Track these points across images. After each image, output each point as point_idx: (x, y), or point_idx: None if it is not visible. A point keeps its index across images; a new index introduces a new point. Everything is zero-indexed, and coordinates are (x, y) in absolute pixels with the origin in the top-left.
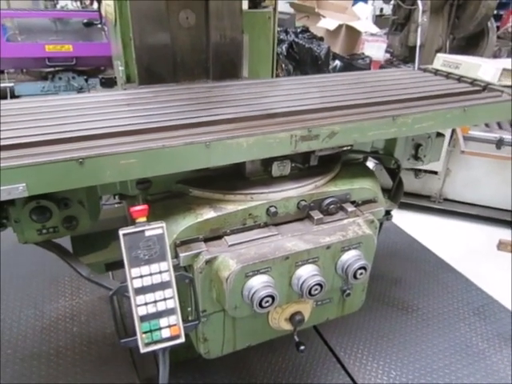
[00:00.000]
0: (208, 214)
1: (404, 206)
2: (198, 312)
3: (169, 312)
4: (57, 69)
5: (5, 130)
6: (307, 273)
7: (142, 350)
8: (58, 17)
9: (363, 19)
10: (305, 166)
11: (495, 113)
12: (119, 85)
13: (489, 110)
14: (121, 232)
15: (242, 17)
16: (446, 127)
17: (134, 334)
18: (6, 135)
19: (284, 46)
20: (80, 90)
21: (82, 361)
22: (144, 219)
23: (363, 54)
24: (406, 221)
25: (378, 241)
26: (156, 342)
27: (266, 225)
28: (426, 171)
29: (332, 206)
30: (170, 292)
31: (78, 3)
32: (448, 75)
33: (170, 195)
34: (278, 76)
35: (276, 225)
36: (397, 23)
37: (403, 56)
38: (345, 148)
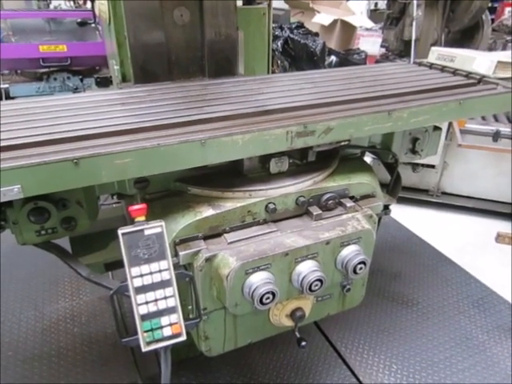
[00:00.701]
0: (207, 211)
1: (402, 201)
2: (199, 310)
3: (170, 310)
4: (51, 69)
5: None
6: (307, 269)
7: (144, 349)
8: (51, 17)
9: (358, 14)
10: (303, 161)
11: (491, 105)
12: (115, 84)
13: (484, 103)
14: (120, 231)
15: (236, 13)
16: (442, 121)
17: (135, 333)
18: (1, 137)
19: (279, 43)
20: (75, 91)
21: (83, 361)
22: (143, 218)
23: (358, 49)
24: (405, 215)
25: (376, 235)
26: (157, 341)
27: (265, 221)
28: (423, 165)
29: (331, 201)
30: (171, 290)
31: (72, 3)
32: (443, 68)
33: (168, 194)
34: (273, 72)
35: (275, 221)
36: (392, 17)
37: (398, 50)
38: (342, 143)
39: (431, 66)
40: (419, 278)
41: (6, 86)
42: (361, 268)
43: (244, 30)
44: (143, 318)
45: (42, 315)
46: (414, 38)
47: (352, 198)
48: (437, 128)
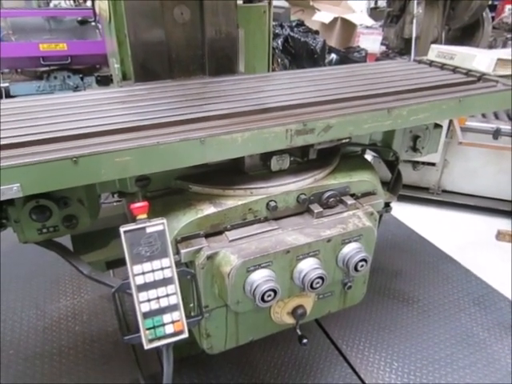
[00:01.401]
0: (208, 209)
1: (402, 199)
2: (201, 307)
3: (172, 308)
4: (52, 68)
5: None
6: (308, 266)
7: (146, 347)
8: (51, 15)
9: (358, 12)
10: (304, 159)
11: (491, 103)
12: (115, 82)
13: (484, 101)
14: (122, 229)
15: (236, 11)
16: (442, 118)
17: (137, 330)
18: (0, 135)
19: (279, 41)
20: (76, 89)
21: (84, 359)
22: (144, 216)
23: (359, 46)
24: (405, 213)
25: (377, 233)
26: (159, 338)
27: (266, 219)
28: (423, 163)
29: (332, 199)
30: (173, 288)
31: (72, 1)
32: (443, 66)
33: (169, 192)
34: (274, 71)
35: (276, 219)
36: (392, 15)
37: (399, 48)
38: (343, 141)
39: (431, 63)
40: (420, 276)
41: (6, 84)
42: (362, 265)
43: (244, 28)
44: (145, 315)
45: (43, 314)
46: (414, 35)
47: (353, 195)
48: (437, 126)
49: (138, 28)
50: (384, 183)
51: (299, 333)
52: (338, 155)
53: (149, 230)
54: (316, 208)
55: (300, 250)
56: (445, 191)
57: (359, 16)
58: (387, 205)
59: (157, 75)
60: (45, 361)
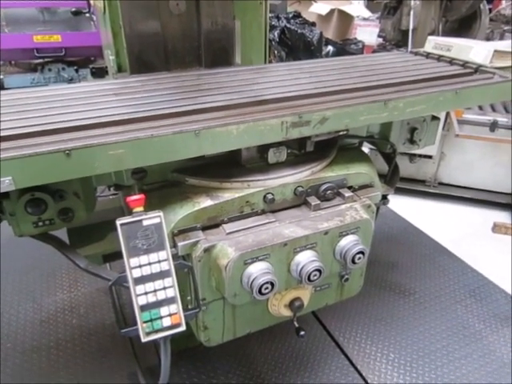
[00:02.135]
0: (205, 202)
1: (399, 191)
2: (198, 300)
3: (169, 301)
4: (46, 60)
5: None
6: (306, 259)
7: (144, 340)
8: (45, 6)
9: (355, 3)
10: (301, 152)
11: (487, 95)
12: (110, 75)
13: (481, 92)
14: (118, 222)
15: (232, 3)
16: (439, 110)
17: (134, 323)
18: None
19: (276, 32)
20: (70, 81)
21: (82, 352)
22: (141, 209)
23: (356, 38)
24: (402, 205)
25: (374, 226)
26: (157, 331)
27: (263, 212)
28: (420, 156)
29: (329, 191)
30: (170, 281)
31: None
32: (439, 58)
33: (166, 184)
34: (270, 63)
35: (273, 212)
36: (389, 7)
37: (396, 40)
38: (341, 133)
39: (428, 55)
40: (416, 268)
41: (1, 77)
42: (359, 258)
43: (241, 19)
44: (142, 308)
45: (40, 307)
46: (411, 27)
47: (350, 188)
48: (435, 118)
49: (133, 19)
50: (381, 176)
51: (296, 325)
52: (335, 147)
53: (145, 223)
54: (313, 200)
55: (297, 242)
56: (441, 184)
57: (356, 8)
58: (384, 197)
59: (152, 67)
60: (42, 354)
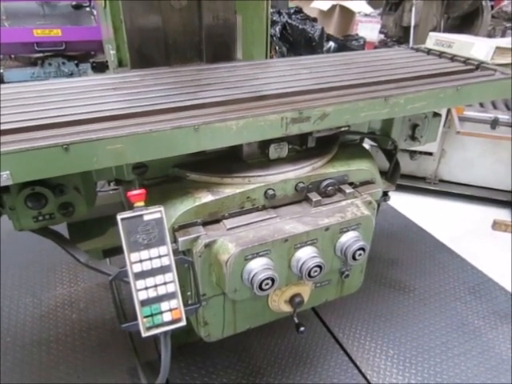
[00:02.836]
0: (206, 197)
1: (399, 188)
2: (199, 295)
3: (169, 296)
4: (46, 54)
5: None
6: (306, 255)
7: (144, 334)
8: (45, 0)
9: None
10: (302, 147)
11: (488, 92)
12: (111, 69)
13: (482, 89)
14: (119, 217)
15: None
16: (439, 107)
17: (134, 318)
18: None
19: (277, 28)
20: (71, 76)
21: (82, 347)
22: (142, 204)
23: (357, 34)
24: (402, 202)
25: (374, 222)
26: (157, 326)
27: (264, 208)
28: (420, 152)
29: (330, 187)
30: (171, 276)
31: None
32: (441, 54)
33: (167, 180)
34: (271, 58)
35: (274, 207)
36: (391, 3)
37: (397, 36)
38: (342, 129)
39: (429, 51)
40: (416, 265)
41: (0, 71)
42: (360, 254)
43: (242, 14)
44: (143, 303)
45: (40, 302)
46: (413, 23)
47: (351, 184)
48: (436, 114)
49: (134, 13)
50: (382, 172)
51: (296, 321)
52: (336, 144)
53: (146, 218)
54: (314, 196)
55: (298, 238)
56: (442, 181)
57: (358, 4)
58: (385, 194)
59: (153, 62)
60: (42, 348)
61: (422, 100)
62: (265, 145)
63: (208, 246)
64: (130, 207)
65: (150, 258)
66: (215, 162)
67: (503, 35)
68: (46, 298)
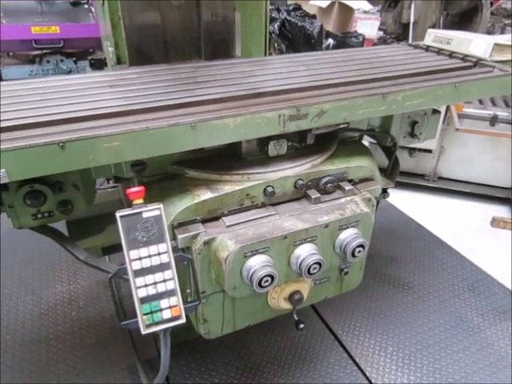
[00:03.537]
0: (205, 195)
1: (398, 185)
2: (198, 292)
3: (169, 293)
4: (44, 51)
5: None
6: (306, 252)
7: (144, 332)
8: None
9: None
10: (301, 144)
11: (487, 89)
12: (109, 66)
13: (480, 86)
14: (118, 214)
15: None
16: (437, 104)
17: (134, 316)
18: None
19: (276, 25)
20: (69, 73)
21: (81, 344)
22: (141, 201)
23: (356, 31)
24: (401, 199)
25: (373, 219)
26: (157, 324)
27: (263, 205)
28: (420, 150)
29: (329, 184)
30: (170, 273)
31: None
32: (439, 51)
33: (165, 177)
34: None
35: (273, 205)
36: (390, 0)
37: (397, 33)
38: (341, 126)
39: (427, 48)
40: (415, 262)
41: None
42: (359, 251)
43: (241, 11)
44: (142, 300)
45: (39, 299)
46: (412, 20)
47: (351, 181)
48: (436, 111)
49: (132, 10)
50: (381, 169)
51: (296, 318)
52: (335, 141)
53: (145, 215)
54: (313, 194)
55: (297, 235)
56: (441, 178)
57: (357, 1)
58: (384, 191)
59: (152, 59)
60: (41, 346)
61: (419, 97)
62: (264, 142)
63: (207, 243)
64: (129, 205)
65: (150, 256)
66: (214, 159)
67: (502, 32)
68: (45, 296)
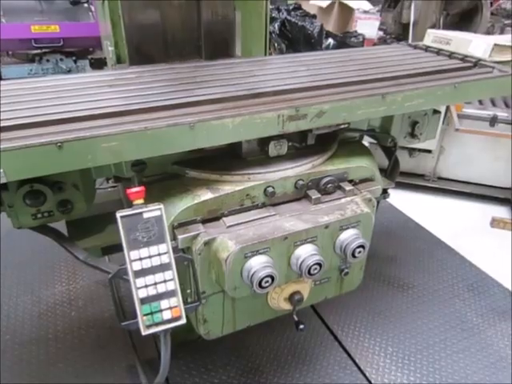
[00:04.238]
0: (205, 195)
1: (398, 185)
2: (199, 293)
3: (169, 294)
4: (44, 50)
5: None
6: (306, 252)
7: (144, 333)
8: None
9: None
10: (302, 145)
11: (486, 89)
12: (109, 66)
13: (480, 87)
14: (118, 214)
15: None
16: (437, 104)
17: (134, 317)
18: None
19: (276, 25)
20: (69, 72)
21: (81, 344)
22: (141, 201)
23: (356, 31)
24: (401, 200)
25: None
26: (157, 324)
27: (263, 205)
28: (419, 150)
29: (330, 185)
30: (170, 274)
31: None
32: (439, 51)
33: (166, 177)
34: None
35: (274, 205)
36: (390, 0)
37: (397, 33)
38: (342, 126)
39: (427, 48)
40: (415, 262)
41: None
42: (359, 252)
43: (241, 11)
44: (143, 301)
45: (38, 299)
46: (412, 20)
47: (351, 181)
48: (436, 111)
49: (132, 9)
50: (381, 170)
51: (296, 319)
52: (336, 141)
53: (146, 216)
54: (314, 194)
55: (298, 236)
56: (440, 178)
57: (357, 0)
58: (385, 191)
59: (152, 58)
60: (41, 346)
61: (419, 97)
62: (264, 142)
63: (207, 243)
64: (129, 204)
65: (150, 256)
66: (215, 159)
67: (502, 32)
68: (44, 296)
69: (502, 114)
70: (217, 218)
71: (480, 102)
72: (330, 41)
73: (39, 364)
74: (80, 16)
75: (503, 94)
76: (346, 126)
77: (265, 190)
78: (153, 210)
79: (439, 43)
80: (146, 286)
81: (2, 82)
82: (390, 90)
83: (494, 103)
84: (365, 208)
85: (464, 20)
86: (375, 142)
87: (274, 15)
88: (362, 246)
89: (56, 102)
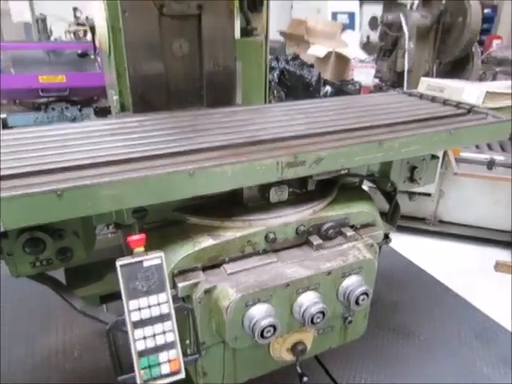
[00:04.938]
0: (206, 242)
1: (399, 229)
2: (198, 344)
3: (168, 346)
4: (50, 99)
5: None
6: (308, 300)
7: None
8: (51, 49)
9: (352, 46)
10: (302, 190)
11: (481, 135)
12: (113, 114)
13: (475, 132)
14: (118, 263)
15: (234, 45)
16: (433, 150)
17: (131, 369)
18: None
19: (275, 73)
20: (73, 121)
21: None
22: (142, 249)
23: (353, 79)
24: (402, 243)
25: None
26: (155, 379)
27: (264, 251)
28: (419, 193)
29: (331, 230)
30: (170, 325)
31: (72, 35)
32: (433, 98)
33: (166, 223)
34: (270, 103)
35: (275, 251)
36: (384, 49)
37: (392, 81)
38: (342, 172)
39: (421, 96)
40: (419, 308)
41: (4, 115)
42: (363, 299)
43: (242, 61)
44: (140, 354)
45: (32, 351)
46: (406, 69)
47: (352, 226)
48: (434, 156)
49: (137, 61)
50: (381, 214)
51: (299, 371)
52: (336, 186)
53: (146, 264)
54: (315, 240)
55: (300, 283)
56: (441, 221)
57: (353, 50)
58: (386, 236)
59: (155, 106)
60: None
61: (416, 143)
62: (265, 188)
63: (208, 291)
64: (129, 252)
65: (149, 306)
66: (216, 205)
67: (494, 78)
68: (38, 347)
69: (498, 157)
70: (217, 265)
71: (477, 146)
72: (328, 88)
73: None
74: (86, 66)
75: (497, 139)
76: (346, 171)
77: (266, 236)
78: (153, 259)
79: (433, 90)
80: (145, 338)
81: (7, 131)
82: (387, 136)
83: (490, 147)
84: (367, 254)
85: (456, 68)
86: (374, 186)
87: (273, 65)
88: (366, 294)
89: (59, 151)
